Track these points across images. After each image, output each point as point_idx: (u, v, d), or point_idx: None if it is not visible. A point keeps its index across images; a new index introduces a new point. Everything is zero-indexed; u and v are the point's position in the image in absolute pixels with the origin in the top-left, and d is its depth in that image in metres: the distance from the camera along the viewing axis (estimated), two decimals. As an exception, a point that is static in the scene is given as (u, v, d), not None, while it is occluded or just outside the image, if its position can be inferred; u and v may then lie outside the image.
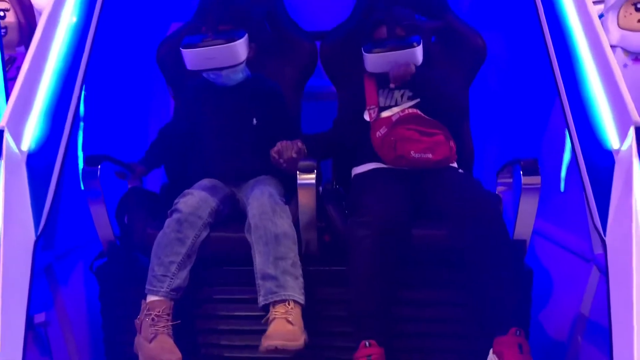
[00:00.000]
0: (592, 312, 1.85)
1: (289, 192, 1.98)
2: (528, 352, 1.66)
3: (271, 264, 1.77)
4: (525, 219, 1.79)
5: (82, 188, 1.88)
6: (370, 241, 1.74)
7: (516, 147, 2.55)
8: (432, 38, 2.23)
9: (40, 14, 2.72)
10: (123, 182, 2.04)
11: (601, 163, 1.60)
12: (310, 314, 1.82)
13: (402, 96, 2.09)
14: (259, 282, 1.79)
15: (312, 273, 1.85)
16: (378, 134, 2.00)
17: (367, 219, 1.77)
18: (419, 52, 1.97)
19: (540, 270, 2.16)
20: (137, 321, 1.79)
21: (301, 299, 1.78)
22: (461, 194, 1.84)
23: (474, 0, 2.65)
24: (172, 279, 1.78)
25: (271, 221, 1.80)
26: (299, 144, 1.91)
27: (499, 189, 1.97)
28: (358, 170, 2.09)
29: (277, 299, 1.75)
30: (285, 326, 1.71)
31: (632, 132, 1.50)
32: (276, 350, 1.69)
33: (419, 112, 2.02)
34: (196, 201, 1.87)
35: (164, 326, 1.75)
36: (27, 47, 2.59)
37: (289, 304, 1.75)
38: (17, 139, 1.61)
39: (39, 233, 1.59)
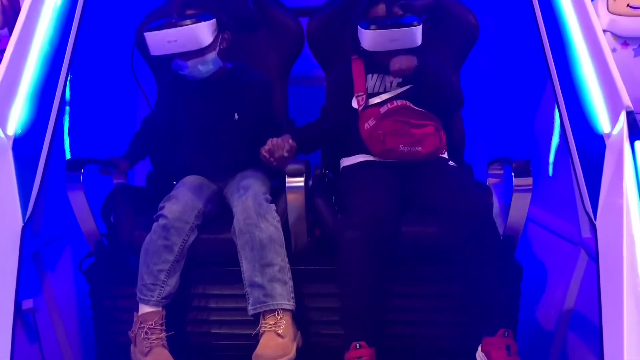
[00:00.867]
0: (580, 295, 1.88)
1: (278, 183, 1.95)
2: (515, 353, 1.68)
3: (258, 271, 1.76)
4: (516, 218, 1.79)
5: (66, 189, 1.84)
6: (360, 243, 1.73)
7: (507, 133, 2.55)
8: (422, 16, 2.18)
9: (23, -5, 2.67)
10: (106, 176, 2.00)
11: (592, 147, 1.60)
12: (301, 313, 1.82)
13: (392, 82, 2.03)
14: (247, 289, 1.77)
15: (302, 272, 1.85)
16: (366, 125, 1.95)
17: (356, 220, 1.75)
18: (419, 32, 1.91)
19: (528, 254, 2.18)
20: (130, 333, 1.78)
21: (290, 304, 1.77)
22: (451, 190, 1.82)
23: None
24: (162, 287, 1.77)
25: (256, 226, 1.77)
26: (290, 141, 1.86)
27: (490, 180, 1.96)
28: (347, 162, 2.05)
29: (266, 309, 1.74)
30: (274, 340, 1.71)
31: (623, 116, 1.50)
32: None
33: (407, 103, 1.97)
34: (181, 206, 1.83)
35: (157, 338, 1.74)
36: (10, 30, 2.55)
37: (278, 314, 1.74)
38: (3, 124, 1.59)
39: (26, 219, 1.57)
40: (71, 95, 2.15)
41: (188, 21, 1.84)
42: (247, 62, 2.13)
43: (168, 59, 1.94)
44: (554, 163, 2.24)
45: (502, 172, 1.95)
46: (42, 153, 1.66)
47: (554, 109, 1.78)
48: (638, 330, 1.37)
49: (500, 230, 1.82)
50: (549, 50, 1.73)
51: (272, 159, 1.83)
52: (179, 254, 1.80)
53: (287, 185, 1.81)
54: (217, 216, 1.94)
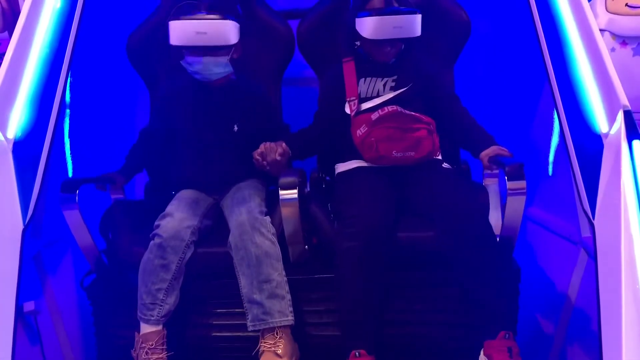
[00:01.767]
0: (579, 295, 1.88)
1: (276, 188, 1.93)
2: (517, 354, 1.68)
3: (256, 288, 1.76)
4: (512, 220, 1.79)
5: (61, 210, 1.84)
6: (356, 251, 1.72)
7: (506, 133, 2.55)
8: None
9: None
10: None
11: (590, 147, 1.61)
12: (300, 324, 1.82)
13: (384, 85, 2.00)
14: (245, 305, 1.78)
15: (301, 282, 1.85)
16: (358, 132, 1.94)
17: (352, 229, 1.75)
18: (419, 21, 1.90)
19: (527, 254, 2.18)
20: (133, 353, 1.79)
21: (289, 320, 1.77)
22: (446, 193, 1.81)
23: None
24: (161, 305, 1.78)
25: (251, 241, 1.77)
26: (283, 145, 1.87)
27: (486, 180, 1.96)
28: (341, 168, 2.04)
29: (265, 326, 1.75)
30: None
31: (620, 115, 1.51)
32: None
33: (398, 108, 1.94)
34: (177, 223, 1.82)
35: (158, 358, 1.75)
36: (10, 33, 2.56)
37: (276, 334, 1.75)
38: (3, 127, 1.59)
39: (27, 221, 1.57)
40: (71, 97, 2.16)
41: (217, 17, 1.84)
42: (240, 69, 2.09)
43: (166, 65, 1.91)
44: (554, 162, 2.24)
45: (497, 171, 1.94)
46: (42, 156, 1.67)
47: (552, 109, 1.77)
48: (636, 329, 1.38)
49: (498, 232, 1.82)
50: (547, 50, 1.74)
51: (264, 162, 1.83)
52: (177, 271, 1.80)
53: (280, 198, 1.80)
54: (213, 229, 1.93)
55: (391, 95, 2.00)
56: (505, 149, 1.89)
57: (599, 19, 2.40)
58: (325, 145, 2.10)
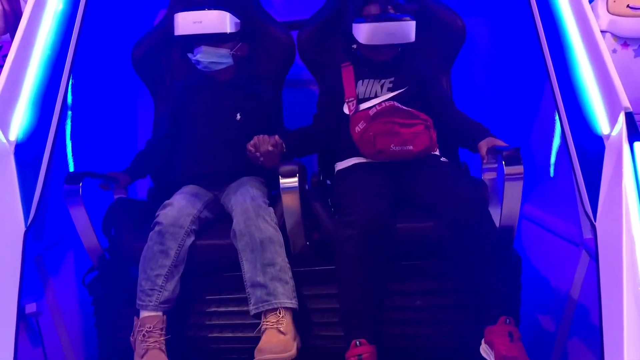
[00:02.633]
0: (582, 296, 1.87)
1: (275, 190, 1.97)
2: (518, 339, 1.67)
3: (259, 271, 1.77)
4: (511, 207, 1.78)
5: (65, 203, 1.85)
6: (357, 240, 1.74)
7: (506, 133, 2.55)
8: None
9: (25, 1, 2.69)
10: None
11: (591, 148, 1.61)
12: (301, 315, 1.82)
13: (382, 87, 2.06)
14: (248, 290, 1.79)
15: (302, 274, 1.85)
16: (357, 128, 1.97)
17: (352, 218, 1.76)
18: (413, 27, 1.96)
19: (530, 256, 2.18)
20: (131, 339, 1.79)
21: (292, 303, 1.78)
22: (445, 185, 1.83)
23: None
24: (160, 291, 1.78)
25: (255, 226, 1.79)
26: (276, 137, 1.89)
27: (485, 175, 1.96)
28: (340, 165, 2.07)
29: (268, 307, 1.76)
30: (276, 337, 1.73)
31: (622, 117, 1.51)
32: None
33: (395, 103, 1.98)
34: (176, 211, 1.84)
35: (155, 341, 1.75)
36: (12, 36, 2.57)
37: (279, 313, 1.76)
38: (5, 129, 1.60)
39: (28, 224, 1.57)
40: (73, 99, 2.17)
41: (214, 8, 1.99)
42: (244, 71, 2.18)
43: (170, 70, 1.95)
44: (555, 164, 2.24)
45: (496, 164, 1.93)
46: (44, 157, 1.67)
47: (554, 111, 1.77)
48: (638, 331, 1.38)
49: (497, 223, 1.81)
50: (548, 51, 1.74)
51: (258, 154, 1.85)
52: (176, 258, 1.81)
53: (281, 186, 1.81)
54: (214, 223, 1.95)
55: (389, 95, 2.05)
56: (502, 141, 1.90)
57: (600, 20, 2.41)
58: (323, 144, 2.13)
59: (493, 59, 2.58)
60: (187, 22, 1.97)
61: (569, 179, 1.76)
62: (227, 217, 1.93)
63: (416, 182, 1.90)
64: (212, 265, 1.88)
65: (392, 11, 1.99)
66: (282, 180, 1.81)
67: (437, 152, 2.04)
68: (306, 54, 2.27)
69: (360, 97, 2.06)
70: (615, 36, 2.43)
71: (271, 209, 1.87)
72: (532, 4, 1.80)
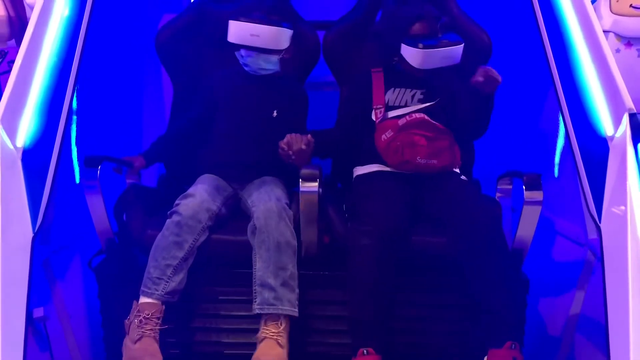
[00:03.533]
0: (587, 297, 1.88)
1: (291, 192, 1.97)
2: None
3: (271, 273, 1.78)
4: (526, 231, 1.81)
5: (79, 182, 1.87)
6: (371, 250, 1.74)
7: (511, 133, 2.56)
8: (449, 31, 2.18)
9: (30, 7, 2.70)
10: (120, 176, 2.03)
11: (595, 149, 1.61)
12: (306, 320, 1.83)
13: (412, 97, 2.05)
14: (256, 287, 1.79)
15: (311, 277, 1.86)
16: (384, 137, 1.98)
17: (368, 227, 1.77)
18: (461, 50, 1.95)
19: (534, 255, 2.18)
20: (126, 322, 1.79)
21: (295, 311, 1.79)
22: (461, 202, 1.83)
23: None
24: (167, 282, 1.78)
25: (275, 227, 1.80)
26: (308, 136, 1.89)
27: (498, 195, 1.97)
28: (360, 171, 2.06)
29: (272, 312, 1.76)
30: (274, 349, 1.73)
31: (625, 118, 1.51)
32: None
33: (425, 116, 1.99)
34: (197, 204, 1.84)
35: (151, 329, 1.74)
36: (17, 41, 2.58)
37: (280, 324, 1.76)
38: (12, 136, 1.60)
39: (36, 229, 1.58)
40: (78, 104, 2.18)
41: (274, 23, 1.98)
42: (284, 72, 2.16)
43: (192, 58, 1.96)
44: (560, 164, 2.24)
45: (510, 187, 1.95)
46: (51, 163, 1.68)
47: (558, 111, 1.78)
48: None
49: (509, 244, 1.83)
50: (551, 53, 1.74)
51: (290, 152, 1.85)
52: (188, 251, 1.81)
53: (300, 189, 1.82)
54: (230, 219, 1.95)
55: (419, 107, 2.04)
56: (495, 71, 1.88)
57: (603, 20, 2.41)
58: (344, 149, 2.13)
59: (497, 60, 2.58)
60: (244, 33, 1.96)
61: (573, 179, 1.77)
62: (242, 214, 1.93)
63: (434, 196, 1.91)
64: (224, 260, 1.89)
65: (439, 30, 1.96)
66: (302, 184, 1.81)
67: (457, 170, 2.05)
68: (331, 55, 2.27)
69: (390, 104, 2.05)
70: (619, 36, 2.43)
71: (292, 212, 1.88)
72: (534, 6, 1.81)
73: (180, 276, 1.81)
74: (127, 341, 1.76)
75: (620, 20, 2.42)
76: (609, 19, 2.43)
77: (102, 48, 2.24)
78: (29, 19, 2.54)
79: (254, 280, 1.80)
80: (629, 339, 1.38)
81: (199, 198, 1.87)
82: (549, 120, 2.25)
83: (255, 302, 1.79)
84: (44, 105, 1.71)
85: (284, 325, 1.77)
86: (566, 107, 1.69)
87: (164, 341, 1.78)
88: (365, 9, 2.29)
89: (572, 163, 1.73)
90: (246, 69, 2.08)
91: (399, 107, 2.05)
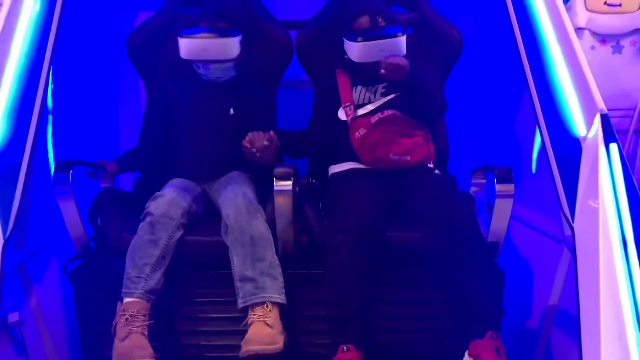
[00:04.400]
0: (563, 292, 1.90)
1: (263, 187, 1.98)
2: (504, 355, 1.71)
3: (249, 265, 1.78)
4: (499, 223, 1.83)
5: (54, 191, 1.84)
6: (347, 247, 1.75)
7: (488, 132, 2.57)
8: (408, 30, 2.20)
9: (1, 3, 2.65)
10: (94, 180, 2.01)
11: (568, 150, 1.63)
12: (289, 317, 1.83)
13: (375, 92, 2.07)
14: (237, 284, 1.79)
15: (290, 275, 1.86)
16: (357, 135, 1.99)
17: (344, 223, 1.78)
18: (404, 42, 1.95)
19: (510, 251, 2.20)
20: (113, 324, 1.78)
21: (281, 298, 1.79)
22: (436, 197, 1.85)
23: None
24: (146, 280, 1.78)
25: (246, 222, 1.80)
26: (271, 132, 1.90)
27: (473, 189, 1.99)
28: (335, 169, 2.08)
29: (256, 300, 1.76)
30: (263, 329, 1.73)
31: (597, 119, 1.52)
32: (256, 355, 1.71)
33: (397, 113, 2.01)
34: (167, 202, 1.86)
35: (138, 326, 1.74)
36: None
37: (267, 307, 1.76)
38: (-20, 139, 1.57)
39: (7, 236, 1.56)
40: (54, 105, 2.15)
41: (219, 35, 2.03)
42: (239, 65, 2.18)
43: (163, 61, 2.01)
44: (537, 160, 2.26)
45: (484, 181, 1.97)
46: (22, 165, 1.65)
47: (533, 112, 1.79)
48: (615, 330, 1.40)
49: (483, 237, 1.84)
50: (525, 54, 1.76)
51: (254, 149, 1.85)
52: (164, 249, 1.82)
53: (275, 188, 1.82)
54: (203, 218, 1.96)
55: (384, 100, 2.05)
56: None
57: (578, 17, 2.43)
58: (317, 149, 2.14)
59: (473, 57, 2.60)
60: (193, 48, 2.01)
61: (549, 176, 1.79)
62: (215, 212, 1.93)
63: (409, 192, 1.92)
64: (200, 261, 1.89)
65: (382, 24, 1.98)
66: (276, 183, 1.82)
67: (431, 165, 2.07)
68: (303, 55, 2.29)
69: (355, 102, 2.06)
70: (594, 33, 2.45)
71: (260, 206, 1.89)
72: (508, 7, 1.82)
73: (158, 274, 1.80)
74: (115, 341, 1.75)
75: (595, 17, 2.44)
76: (584, 16, 2.45)
77: (77, 47, 2.21)
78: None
79: (234, 278, 1.80)
80: (599, 336, 1.40)
81: (169, 197, 1.88)
82: (525, 117, 2.27)
83: (239, 297, 1.79)
84: (14, 106, 1.68)
85: (270, 307, 1.76)
86: (539, 108, 1.71)
87: None
88: (332, 10, 2.29)
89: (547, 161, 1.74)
90: (204, 78, 2.12)
91: (365, 104, 2.06)
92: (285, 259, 1.88)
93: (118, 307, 1.78)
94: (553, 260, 1.95)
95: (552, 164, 1.66)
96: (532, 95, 1.72)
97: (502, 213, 1.80)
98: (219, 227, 1.87)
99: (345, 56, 2.04)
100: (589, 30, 2.44)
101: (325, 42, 2.25)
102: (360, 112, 2.04)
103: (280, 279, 1.81)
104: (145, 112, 2.31)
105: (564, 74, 1.65)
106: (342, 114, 2.06)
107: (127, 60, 2.32)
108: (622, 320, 1.38)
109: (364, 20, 1.99)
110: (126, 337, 1.73)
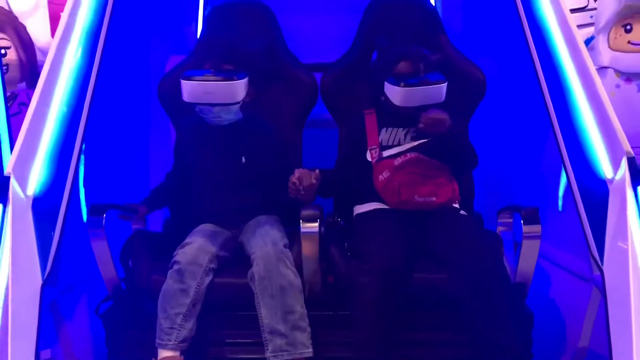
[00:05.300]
0: (594, 333, 1.87)
1: (290, 225, 2.00)
2: None
3: (280, 319, 1.79)
4: (527, 264, 1.83)
5: (87, 233, 1.90)
6: (373, 288, 1.76)
7: (515, 170, 2.57)
8: (435, 69, 2.22)
9: (40, 50, 2.77)
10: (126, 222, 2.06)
11: (595, 190, 1.62)
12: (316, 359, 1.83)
13: (405, 135, 2.09)
14: (266, 335, 1.81)
15: (316, 317, 1.87)
16: (381, 177, 2.01)
17: (370, 265, 1.79)
18: (445, 89, 1.98)
19: (538, 291, 2.18)
20: None
21: (309, 351, 1.81)
22: (462, 239, 1.85)
23: (464, 32, 2.69)
24: (179, 330, 1.81)
25: (276, 271, 1.81)
26: (316, 171, 1.91)
27: (500, 228, 1.99)
28: (360, 209, 2.09)
29: (288, 357, 1.78)
30: None
31: (624, 162, 1.53)
32: None
33: (420, 155, 2.02)
34: (195, 250, 1.88)
35: None
36: (27, 84, 2.64)
37: None
38: (23, 184, 1.63)
39: (45, 276, 1.61)
40: (86, 147, 2.21)
41: (223, 77, 1.95)
42: (262, 112, 2.20)
43: (189, 106, 2.02)
44: (563, 198, 2.25)
45: (511, 220, 1.97)
46: (60, 210, 1.70)
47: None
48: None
49: (511, 278, 1.84)
50: (549, 97, 1.77)
51: (301, 187, 1.86)
52: (195, 297, 1.84)
53: (302, 230, 1.84)
54: (231, 261, 1.97)
55: (412, 144, 2.07)
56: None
57: (602, 56, 2.44)
58: (344, 189, 2.16)
59: (498, 100, 2.61)
60: (197, 92, 1.94)
61: (576, 214, 1.77)
62: (244, 256, 1.94)
63: (434, 233, 1.93)
64: (229, 303, 1.90)
65: (423, 69, 2.00)
66: (303, 225, 1.84)
67: (457, 205, 2.07)
68: (329, 97, 2.32)
69: (383, 144, 2.08)
70: (618, 71, 2.46)
71: (289, 252, 1.89)
72: (531, 49, 1.84)
73: (191, 323, 1.83)
74: None
75: (619, 56, 2.44)
76: (607, 55, 2.45)
77: (112, 92, 2.29)
78: (40, 62, 2.62)
79: (261, 327, 1.81)
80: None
81: (196, 244, 1.90)
82: (551, 154, 2.27)
83: (267, 349, 1.80)
84: (54, 153, 1.75)
85: None
86: (564, 149, 1.71)
87: None
88: (360, 51, 2.34)
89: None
90: (208, 122, 2.08)
91: (393, 146, 2.08)
92: (312, 300, 1.89)
93: None
94: (582, 300, 1.93)
95: (578, 205, 1.66)
96: (557, 137, 1.73)
97: (529, 254, 1.80)
98: (246, 269, 1.87)
99: (382, 97, 2.05)
100: (613, 69, 2.45)
101: (351, 83, 2.29)
102: (386, 154, 2.07)
103: (308, 329, 1.82)
104: (174, 153, 2.35)
105: (588, 117, 1.66)
106: (368, 156, 2.09)
107: (158, 104, 2.40)
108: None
109: (406, 65, 2.01)
110: None
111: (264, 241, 1.88)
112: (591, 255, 1.61)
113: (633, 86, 2.43)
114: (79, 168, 2.12)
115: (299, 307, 1.82)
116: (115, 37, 2.03)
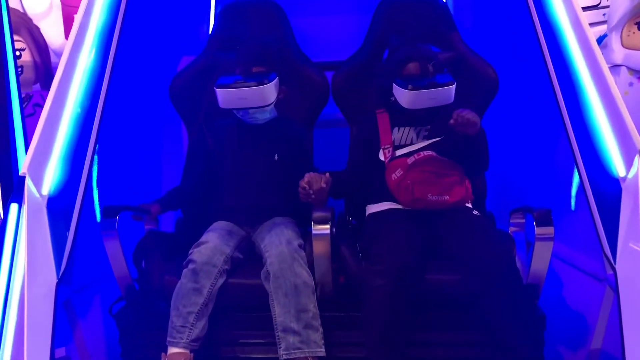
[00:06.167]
0: (607, 334, 1.86)
1: (303, 226, 2.00)
2: None
3: (293, 317, 1.80)
4: (539, 265, 1.82)
5: (100, 235, 1.92)
6: (385, 290, 1.76)
7: (527, 170, 2.56)
8: (445, 69, 2.22)
9: (54, 52, 2.81)
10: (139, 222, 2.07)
11: (608, 189, 1.61)
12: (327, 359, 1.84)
13: (418, 134, 2.08)
14: (279, 334, 1.82)
15: (328, 318, 1.87)
16: (394, 176, 2.00)
17: (381, 267, 1.78)
18: (454, 90, 1.97)
19: (551, 291, 2.17)
20: None
21: (322, 351, 1.82)
22: (474, 239, 1.85)
23: (474, 29, 2.68)
24: (191, 329, 1.82)
25: (290, 270, 1.82)
26: (327, 174, 1.91)
27: (512, 229, 1.98)
28: (373, 209, 2.09)
29: (301, 355, 1.79)
30: None
31: (637, 160, 1.52)
32: None
33: (433, 153, 2.02)
34: (210, 250, 1.89)
35: None
36: (42, 85, 2.68)
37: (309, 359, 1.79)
38: (38, 184, 1.66)
39: (60, 275, 1.63)
40: (100, 147, 2.24)
41: (255, 82, 1.98)
42: (281, 110, 2.21)
43: (201, 106, 2.03)
44: (576, 196, 2.24)
45: (523, 220, 1.96)
46: (75, 210, 1.73)
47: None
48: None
49: (523, 279, 1.83)
50: (561, 95, 1.77)
51: (311, 191, 1.87)
52: (208, 297, 1.85)
53: (313, 232, 1.85)
54: (245, 262, 1.98)
55: (425, 143, 2.06)
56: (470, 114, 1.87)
57: (615, 54, 2.44)
58: (357, 189, 2.15)
59: (510, 98, 2.60)
60: (231, 98, 1.99)
61: (589, 213, 1.76)
62: (257, 257, 1.96)
63: (447, 233, 1.92)
64: (241, 304, 1.91)
65: (431, 70, 1.99)
66: (314, 227, 1.84)
67: (469, 205, 2.06)
68: (340, 96, 2.32)
69: (396, 143, 2.08)
70: (631, 69, 2.45)
71: (304, 252, 1.90)
72: (543, 48, 1.84)
73: (202, 322, 1.84)
74: None
75: (632, 54, 2.44)
76: (621, 53, 2.45)
77: (125, 93, 2.30)
78: (53, 63, 2.65)
79: (275, 326, 1.82)
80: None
81: (212, 243, 1.91)
82: (564, 153, 2.25)
83: (280, 347, 1.81)
84: (68, 154, 1.77)
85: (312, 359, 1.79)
86: (577, 147, 1.70)
87: None
88: (372, 49, 2.33)
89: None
90: (246, 122, 2.12)
91: (406, 145, 2.07)
92: (324, 300, 1.89)
93: (163, 358, 1.82)
94: (595, 301, 1.91)
95: (591, 204, 1.65)
96: (570, 135, 1.72)
97: (542, 256, 1.80)
98: (259, 270, 1.89)
99: (392, 98, 2.05)
100: (626, 66, 2.44)
101: (362, 83, 2.28)
102: (399, 153, 2.06)
103: (321, 329, 1.83)
104: (187, 153, 2.36)
105: (601, 115, 1.66)
106: (381, 155, 2.08)
107: (170, 105, 2.42)
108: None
109: (414, 66, 2.00)
110: None
111: (279, 240, 1.90)
112: (604, 254, 1.60)
113: (646, 84, 2.42)
114: (92, 168, 2.15)
115: (312, 307, 1.83)
116: (128, 39, 2.06)
